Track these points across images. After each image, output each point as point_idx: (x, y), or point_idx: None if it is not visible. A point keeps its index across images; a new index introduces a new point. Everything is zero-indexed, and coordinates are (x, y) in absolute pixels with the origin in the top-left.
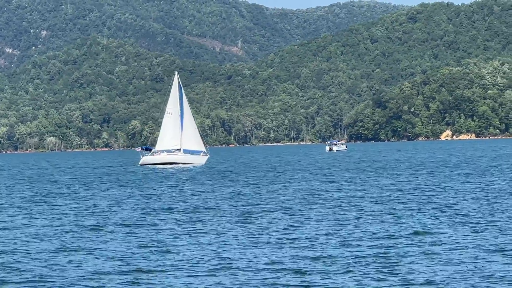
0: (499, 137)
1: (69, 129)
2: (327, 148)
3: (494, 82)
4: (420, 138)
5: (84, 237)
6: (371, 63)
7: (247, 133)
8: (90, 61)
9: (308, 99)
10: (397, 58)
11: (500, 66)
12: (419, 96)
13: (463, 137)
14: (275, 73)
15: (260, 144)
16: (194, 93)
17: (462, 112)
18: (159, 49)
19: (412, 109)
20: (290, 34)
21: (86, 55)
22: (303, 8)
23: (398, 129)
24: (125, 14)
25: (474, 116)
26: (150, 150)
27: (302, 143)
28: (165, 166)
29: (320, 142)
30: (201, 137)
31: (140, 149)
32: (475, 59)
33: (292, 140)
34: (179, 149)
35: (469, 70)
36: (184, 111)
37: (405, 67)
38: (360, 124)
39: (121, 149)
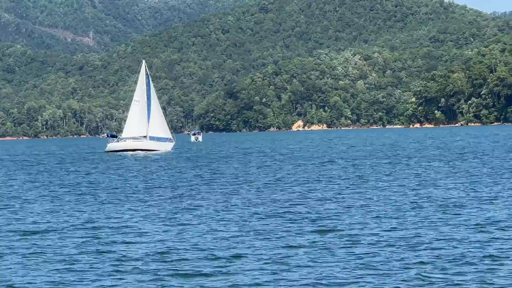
0: (351, 128)
1: None
2: (193, 138)
3: (346, 72)
4: (271, 129)
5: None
6: (222, 54)
7: (99, 124)
8: None
9: (159, 90)
10: (248, 49)
11: (352, 57)
12: (271, 86)
13: (314, 127)
14: (127, 63)
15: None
16: (46, 83)
17: (313, 102)
18: (10, 39)
19: (264, 100)
20: (142, 24)
21: None
22: None
23: (250, 120)
24: None
25: (326, 107)
26: (116, 137)
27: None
28: (131, 152)
29: (171, 132)
30: (168, 124)
31: (105, 136)
32: (326, 49)
33: None
34: (145, 136)
35: (321, 60)
36: (151, 99)
37: (257, 58)
38: (212, 114)
39: None
